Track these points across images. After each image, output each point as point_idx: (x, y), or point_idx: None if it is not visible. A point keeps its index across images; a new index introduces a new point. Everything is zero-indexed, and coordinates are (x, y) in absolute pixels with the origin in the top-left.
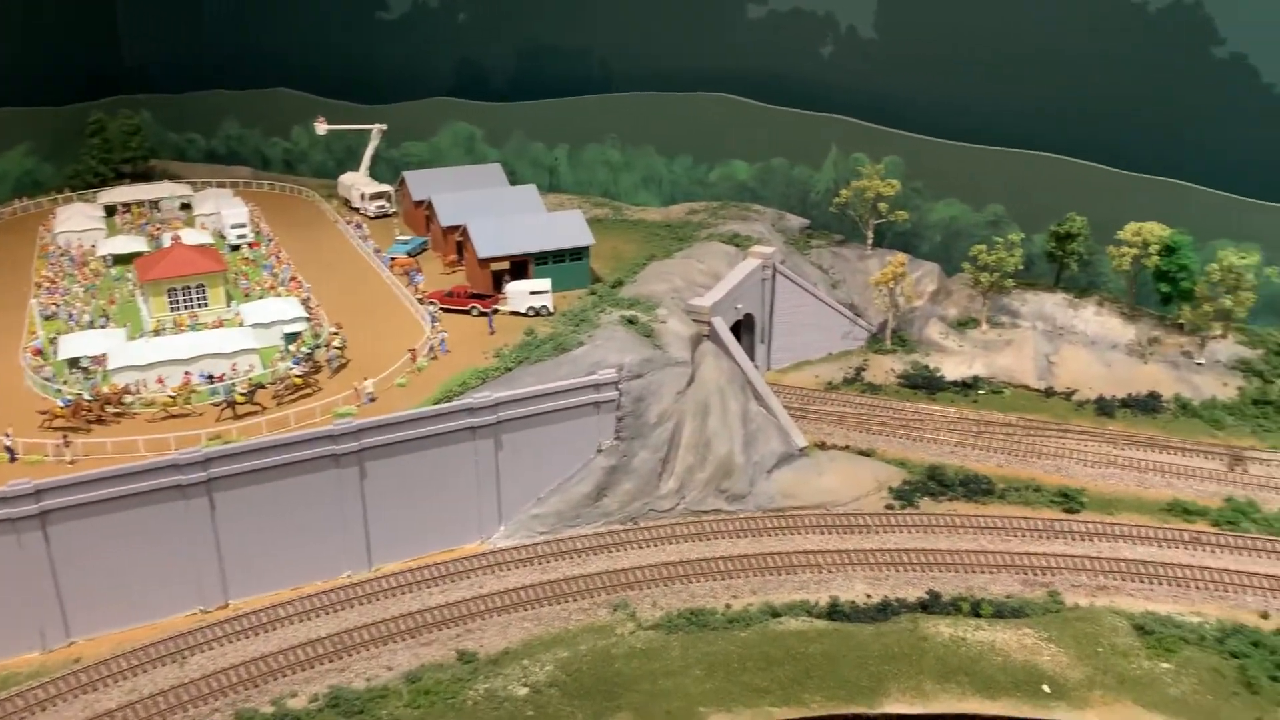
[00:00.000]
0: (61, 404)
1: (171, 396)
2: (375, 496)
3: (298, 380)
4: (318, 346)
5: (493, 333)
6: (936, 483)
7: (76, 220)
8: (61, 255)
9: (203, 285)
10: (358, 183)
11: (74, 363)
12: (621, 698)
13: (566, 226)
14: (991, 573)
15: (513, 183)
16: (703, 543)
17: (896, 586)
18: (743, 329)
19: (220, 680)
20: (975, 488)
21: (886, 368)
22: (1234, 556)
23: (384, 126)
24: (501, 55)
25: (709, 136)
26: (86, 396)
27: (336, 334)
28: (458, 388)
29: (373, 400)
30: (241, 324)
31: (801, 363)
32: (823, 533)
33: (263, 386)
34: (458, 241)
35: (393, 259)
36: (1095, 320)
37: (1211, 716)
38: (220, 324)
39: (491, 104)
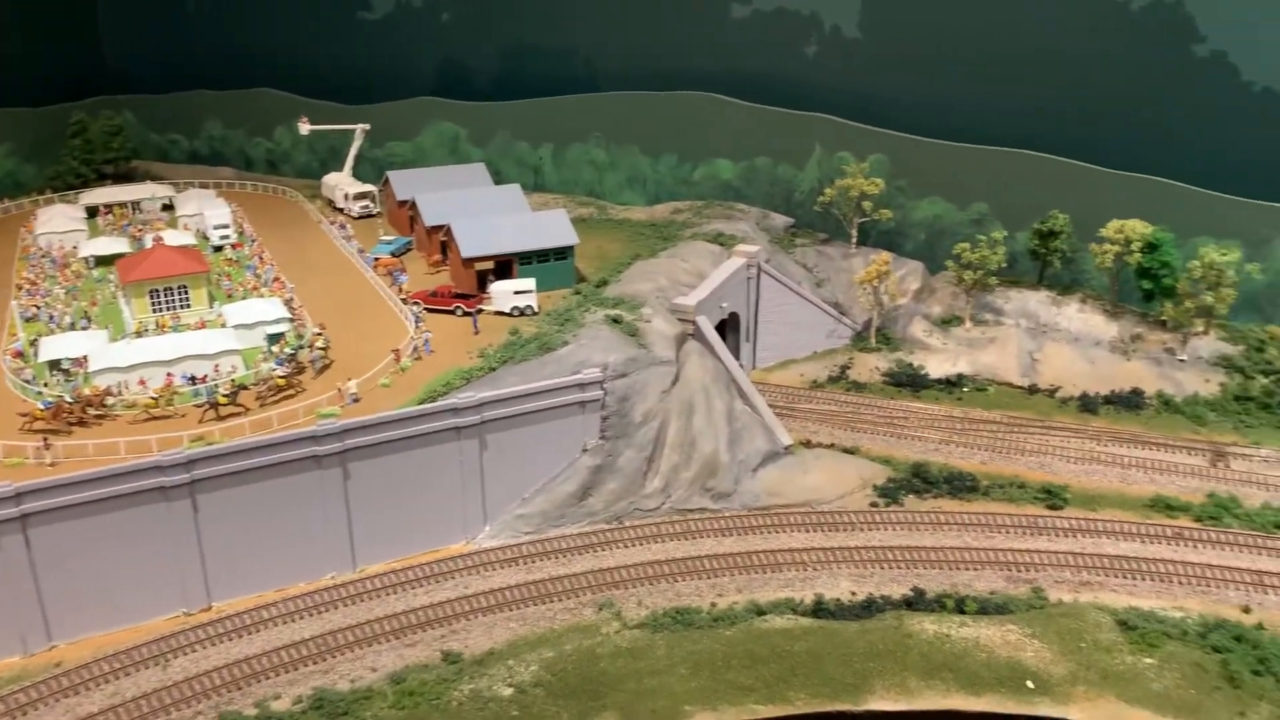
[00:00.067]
0: (42, 406)
1: (153, 398)
2: (359, 497)
3: (281, 381)
4: (301, 347)
5: (477, 333)
6: (921, 480)
7: (58, 222)
8: (43, 257)
9: (185, 286)
10: (341, 183)
11: (55, 365)
12: (606, 697)
13: (551, 226)
14: (976, 569)
15: (497, 182)
16: (688, 541)
17: (881, 584)
18: (728, 328)
19: (203, 683)
20: (959, 485)
21: (871, 366)
22: (1216, 551)
23: (367, 126)
24: (485, 54)
25: (693, 136)
26: (67, 398)
27: (320, 335)
28: (442, 388)
29: (356, 401)
30: (224, 325)
31: (786, 361)
32: (808, 531)
33: (245, 388)
34: (442, 241)
35: (376, 259)
36: (1078, 317)
37: (1194, 711)
38: (203, 325)
39: (476, 103)
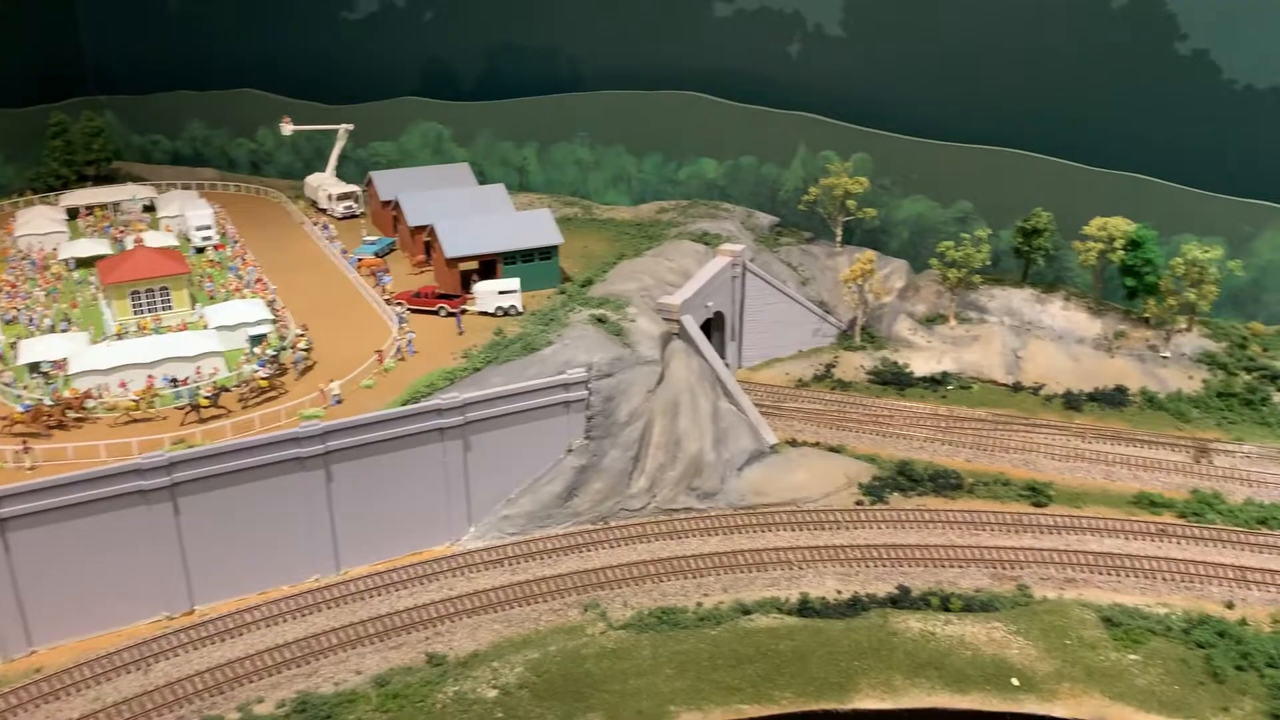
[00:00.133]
0: (21, 409)
1: (134, 400)
2: (343, 499)
3: (263, 383)
4: (283, 348)
5: (461, 333)
6: (906, 478)
7: (38, 223)
8: (22, 259)
9: (166, 288)
10: (325, 183)
11: (34, 367)
12: (592, 698)
13: (535, 226)
14: (961, 567)
15: (481, 182)
16: (674, 541)
17: (867, 582)
18: (713, 327)
19: (185, 687)
20: (944, 483)
21: (856, 364)
22: (1200, 548)
23: (350, 126)
24: (469, 54)
25: (678, 135)
26: (47, 401)
27: (302, 336)
28: (425, 389)
29: (339, 402)
30: (206, 326)
31: (772, 360)
32: (793, 529)
33: (227, 389)
34: (425, 242)
35: (360, 259)
36: (1062, 315)
37: (1178, 707)
38: (184, 327)
39: (459, 103)
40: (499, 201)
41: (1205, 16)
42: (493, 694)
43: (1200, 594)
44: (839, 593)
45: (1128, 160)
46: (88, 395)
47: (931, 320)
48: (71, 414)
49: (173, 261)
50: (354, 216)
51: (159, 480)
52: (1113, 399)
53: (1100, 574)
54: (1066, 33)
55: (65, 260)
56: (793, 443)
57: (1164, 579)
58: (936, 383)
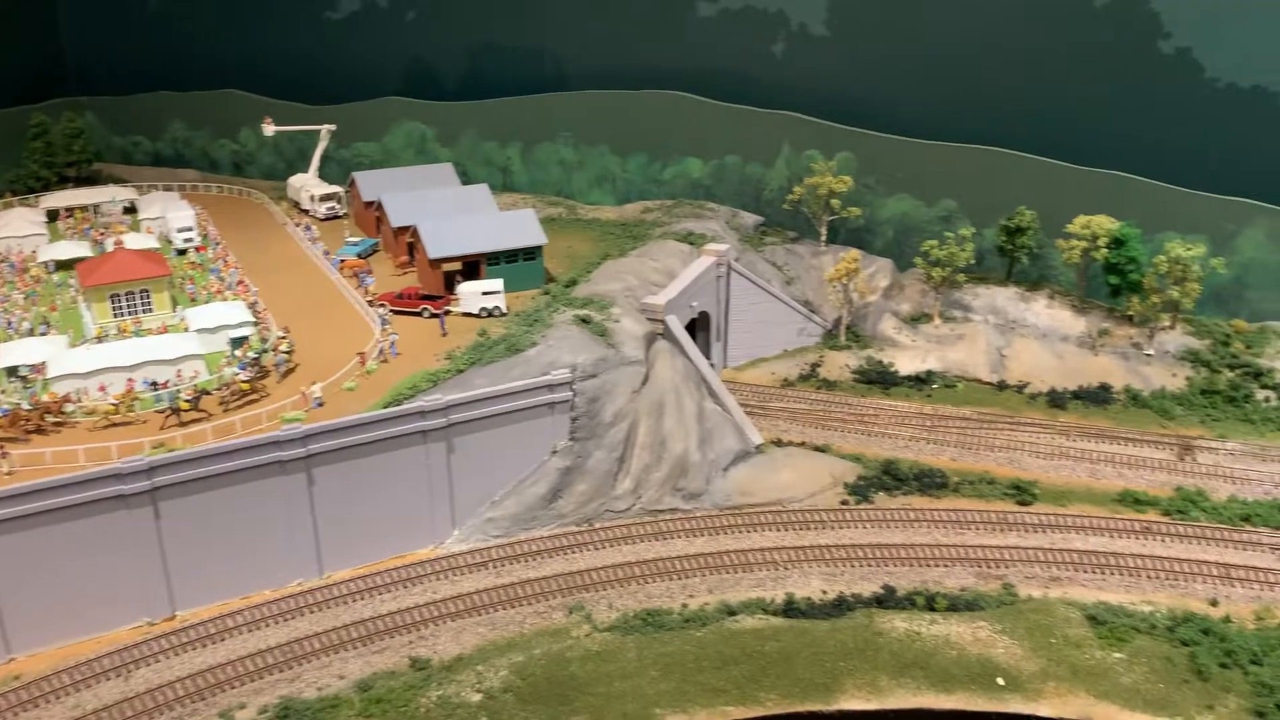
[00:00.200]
0: None
1: (114, 404)
2: (325, 503)
3: (244, 385)
4: (264, 351)
5: (445, 334)
6: (891, 477)
7: (17, 225)
8: (1, 261)
9: (147, 290)
10: (307, 184)
11: (12, 371)
12: (577, 701)
13: (519, 226)
14: (946, 566)
15: (465, 182)
16: (659, 542)
17: (852, 582)
18: (698, 327)
19: (167, 694)
20: (929, 482)
21: (841, 363)
22: (1184, 545)
23: (333, 127)
24: (452, 54)
25: (662, 135)
26: (25, 406)
27: (284, 338)
28: (408, 391)
29: (321, 405)
30: (187, 329)
31: (757, 360)
32: (779, 530)
33: (208, 393)
34: (409, 242)
35: (342, 261)
36: (1046, 313)
37: (1163, 705)
38: (165, 330)
39: (443, 103)
40: (483, 202)
41: (1188, 15)
42: (477, 698)
43: (1185, 591)
44: (824, 593)
45: (1111, 158)
46: (66, 399)
47: (916, 319)
48: (50, 418)
49: (153, 264)
50: (337, 217)
51: (139, 485)
52: (1097, 397)
53: (1085, 572)
54: (1050, 32)
55: (45, 263)
56: (778, 443)
57: (1148, 577)
58: (921, 381)
